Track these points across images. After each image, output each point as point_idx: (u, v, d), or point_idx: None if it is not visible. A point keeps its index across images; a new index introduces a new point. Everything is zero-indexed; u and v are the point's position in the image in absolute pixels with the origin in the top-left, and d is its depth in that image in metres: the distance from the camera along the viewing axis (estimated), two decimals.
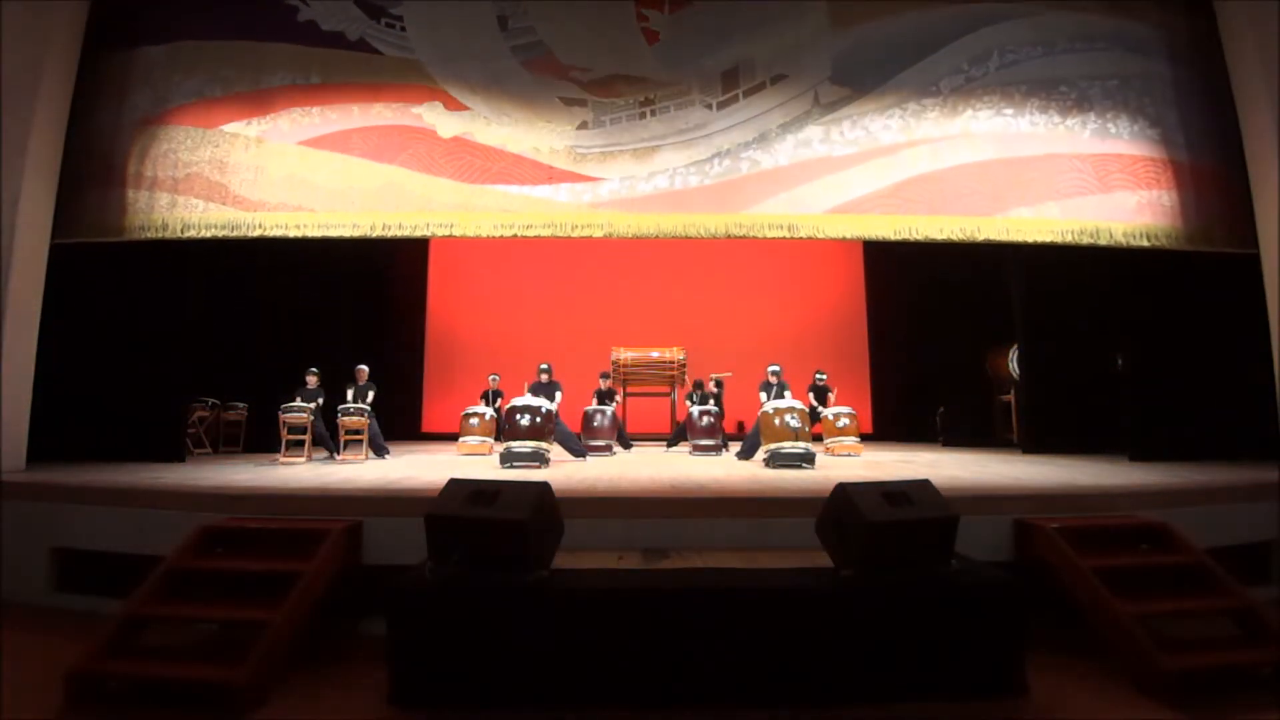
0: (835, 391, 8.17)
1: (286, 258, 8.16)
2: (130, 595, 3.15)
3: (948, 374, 9.42)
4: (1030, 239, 5.73)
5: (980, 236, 5.71)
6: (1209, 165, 5.94)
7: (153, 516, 3.83)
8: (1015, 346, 8.21)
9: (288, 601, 3.00)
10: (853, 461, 6.65)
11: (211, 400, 7.53)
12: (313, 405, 6.43)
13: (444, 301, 11.02)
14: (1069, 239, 5.68)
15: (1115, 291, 6.61)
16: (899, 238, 5.74)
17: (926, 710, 2.68)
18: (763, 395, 7.05)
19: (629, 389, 9.66)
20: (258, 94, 5.90)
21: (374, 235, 5.71)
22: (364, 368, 7.00)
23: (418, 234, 5.78)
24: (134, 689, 2.78)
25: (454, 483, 3.15)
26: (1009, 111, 5.92)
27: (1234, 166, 5.94)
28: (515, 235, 5.76)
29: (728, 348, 10.14)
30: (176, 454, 6.01)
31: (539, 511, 2.97)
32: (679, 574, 3.06)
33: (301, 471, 5.42)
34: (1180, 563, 3.41)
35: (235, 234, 5.62)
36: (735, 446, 7.29)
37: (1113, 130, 5.92)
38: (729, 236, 5.79)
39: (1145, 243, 5.71)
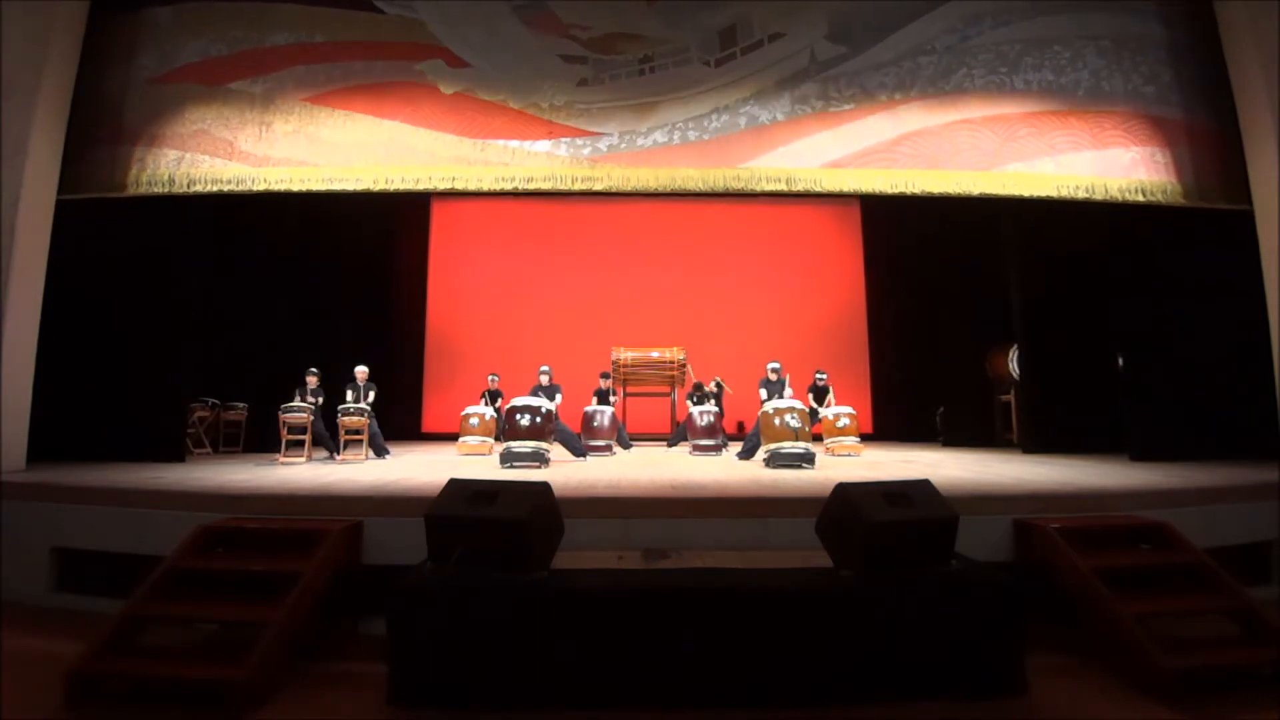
0: (831, 398, 8.15)
1: (286, 256, 8.19)
2: (130, 595, 3.15)
3: (948, 374, 9.41)
4: (1026, 193, 5.83)
5: (976, 191, 5.82)
6: (1203, 123, 6.04)
7: (153, 516, 3.83)
8: (1015, 346, 8.21)
9: (288, 601, 3.00)
10: (853, 461, 6.64)
11: (211, 400, 7.53)
12: (313, 405, 6.44)
13: (444, 301, 11.02)
14: (1064, 193, 5.79)
15: (1115, 291, 6.61)
16: (895, 191, 5.85)
17: (926, 710, 2.68)
18: (763, 393, 7.05)
19: (629, 389, 9.66)
20: (263, 52, 6.00)
21: (376, 189, 5.82)
22: (364, 368, 6.99)
23: (420, 187, 5.90)
24: (134, 689, 2.78)
25: (454, 483, 3.16)
26: (1003, 70, 6.03)
27: (1228, 125, 6.03)
28: (516, 189, 5.90)
29: (728, 348, 10.15)
30: (176, 454, 6.00)
31: (539, 511, 2.97)
32: (679, 574, 3.06)
33: (301, 471, 5.42)
34: (1180, 563, 3.40)
35: (240, 189, 5.74)
36: (735, 446, 7.28)
37: (1106, 89, 6.01)
38: (727, 191, 5.94)
39: (1140, 198, 5.81)
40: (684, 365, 9.48)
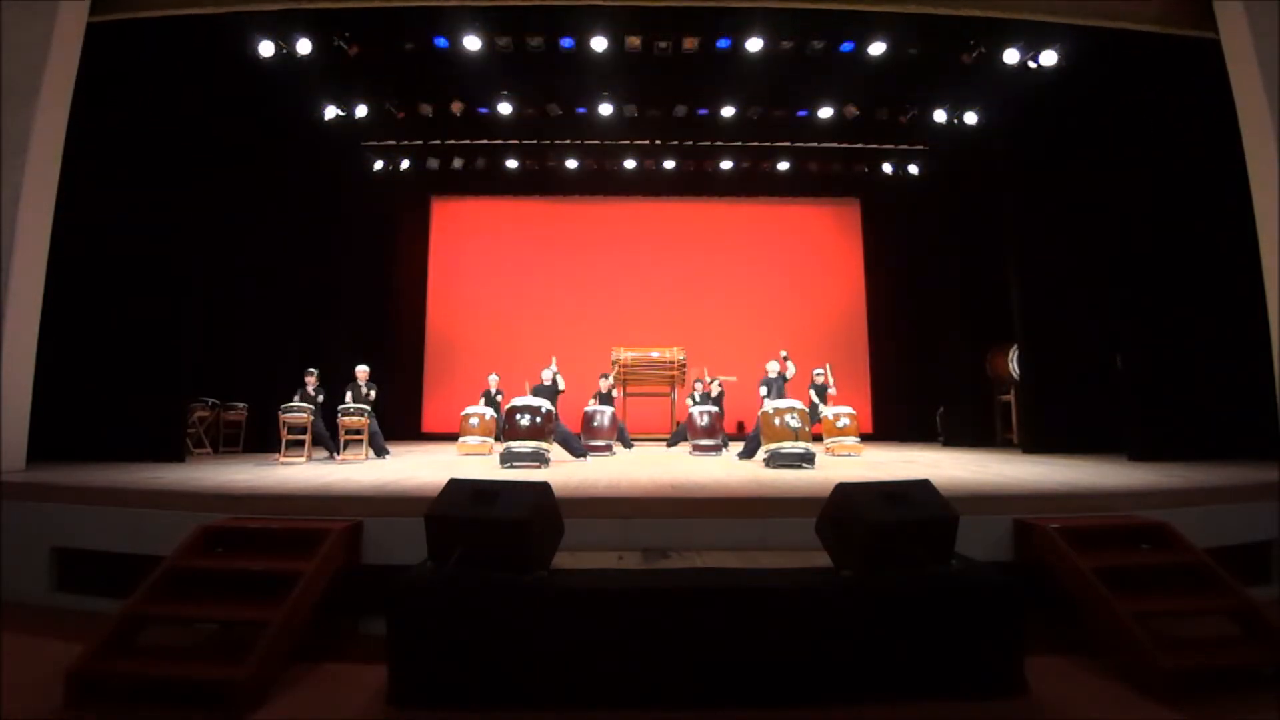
0: (833, 389, 8.15)
1: (287, 256, 8.19)
2: (130, 595, 3.15)
3: (948, 374, 9.42)
4: (1005, 15, 6.45)
5: (960, 11, 6.37)
6: None
7: (153, 516, 3.83)
8: (1015, 346, 8.21)
9: (288, 601, 3.00)
10: (853, 461, 6.65)
11: (211, 400, 7.53)
12: (312, 405, 6.44)
13: (444, 301, 11.02)
14: (1039, 16, 6.40)
15: (1114, 289, 6.61)
16: (881, 9, 6.45)
17: (926, 710, 2.68)
18: (763, 390, 7.05)
19: (629, 389, 9.66)
20: None
21: None
22: (364, 368, 6.99)
23: None
24: (134, 689, 2.78)
25: (454, 483, 3.16)
26: None
27: None
28: None
29: (728, 348, 10.14)
30: (176, 454, 6.01)
31: (539, 511, 2.97)
32: (679, 574, 3.06)
33: (301, 471, 5.42)
34: (1180, 563, 3.40)
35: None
36: (735, 446, 7.28)
37: None
38: None
39: (1108, 21, 6.20)
40: (683, 365, 9.49)
